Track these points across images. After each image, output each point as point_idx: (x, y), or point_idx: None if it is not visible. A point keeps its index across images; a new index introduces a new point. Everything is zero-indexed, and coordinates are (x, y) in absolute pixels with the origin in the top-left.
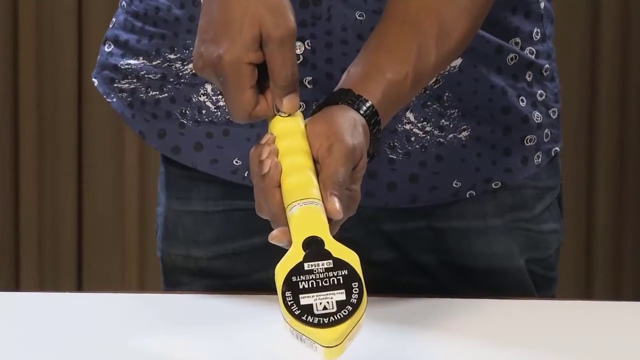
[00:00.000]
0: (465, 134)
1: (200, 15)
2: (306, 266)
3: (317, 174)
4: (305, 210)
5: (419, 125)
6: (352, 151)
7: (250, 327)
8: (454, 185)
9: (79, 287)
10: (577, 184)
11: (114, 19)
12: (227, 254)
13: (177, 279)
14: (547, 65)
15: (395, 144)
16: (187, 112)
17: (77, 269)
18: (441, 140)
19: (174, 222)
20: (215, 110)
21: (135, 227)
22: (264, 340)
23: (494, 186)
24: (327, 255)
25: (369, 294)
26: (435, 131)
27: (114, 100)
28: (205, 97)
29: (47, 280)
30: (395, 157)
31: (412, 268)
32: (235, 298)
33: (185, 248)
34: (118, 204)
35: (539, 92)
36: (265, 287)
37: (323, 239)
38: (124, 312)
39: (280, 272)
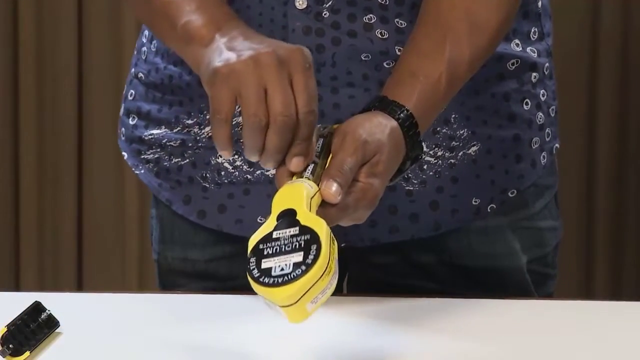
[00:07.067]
0: (474, 148)
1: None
2: (274, 234)
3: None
4: (289, 186)
5: (431, 152)
6: (363, 143)
7: (250, 327)
8: (473, 203)
9: (79, 287)
10: (577, 184)
11: (132, 91)
12: (224, 256)
13: (173, 281)
14: (547, 64)
15: (410, 175)
16: (208, 175)
17: (77, 269)
18: (452, 161)
19: (170, 225)
20: (233, 171)
21: (135, 227)
22: (263, 339)
23: (510, 195)
24: (295, 223)
25: (369, 295)
26: (446, 154)
27: (142, 171)
28: (222, 157)
29: (47, 280)
30: (412, 188)
31: (413, 269)
32: (234, 297)
33: (182, 250)
34: (118, 204)
35: (542, 91)
36: None
37: (297, 210)
38: (124, 312)
39: (252, 242)
